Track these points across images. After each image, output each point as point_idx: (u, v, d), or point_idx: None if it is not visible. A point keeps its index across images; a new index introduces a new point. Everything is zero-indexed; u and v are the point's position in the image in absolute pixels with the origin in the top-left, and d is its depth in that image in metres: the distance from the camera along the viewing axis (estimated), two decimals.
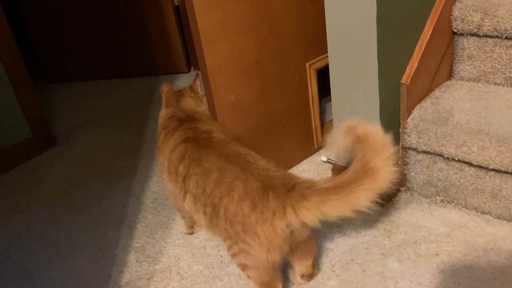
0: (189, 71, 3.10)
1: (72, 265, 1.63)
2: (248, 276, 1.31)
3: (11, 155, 2.26)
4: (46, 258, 1.68)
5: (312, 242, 1.38)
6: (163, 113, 1.59)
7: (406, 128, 1.59)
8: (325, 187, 1.14)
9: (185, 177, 1.34)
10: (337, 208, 1.13)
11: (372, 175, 1.12)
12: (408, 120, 1.59)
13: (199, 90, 1.65)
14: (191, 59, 3.09)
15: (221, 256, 1.57)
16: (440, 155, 1.55)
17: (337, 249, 1.52)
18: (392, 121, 1.61)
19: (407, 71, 1.58)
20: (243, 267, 1.29)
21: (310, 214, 1.14)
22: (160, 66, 3.08)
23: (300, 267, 1.39)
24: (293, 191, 1.16)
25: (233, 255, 1.28)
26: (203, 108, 1.61)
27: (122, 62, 3.08)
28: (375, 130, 1.18)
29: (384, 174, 1.12)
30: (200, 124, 1.45)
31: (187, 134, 1.41)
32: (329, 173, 1.85)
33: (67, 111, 2.78)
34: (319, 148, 2.03)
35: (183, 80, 2.98)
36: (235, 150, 1.34)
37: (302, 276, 1.40)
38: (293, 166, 1.96)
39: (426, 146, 1.56)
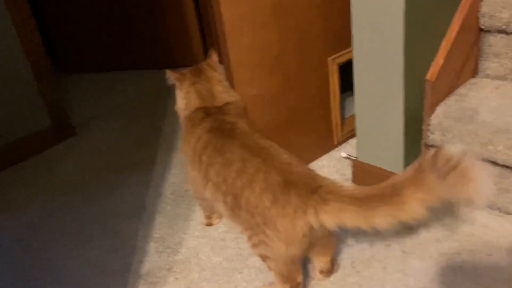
0: None
1: (90, 255, 1.64)
2: (269, 267, 1.32)
3: (31, 144, 2.28)
4: (64, 248, 1.70)
5: (331, 239, 1.38)
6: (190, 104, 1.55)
7: (430, 125, 1.57)
8: (347, 195, 1.13)
9: (207, 166, 1.34)
10: (354, 220, 1.11)
11: (397, 204, 1.08)
12: (432, 117, 1.57)
13: (217, 67, 1.58)
14: None
15: (240, 249, 1.57)
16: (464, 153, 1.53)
17: (357, 245, 1.51)
18: (415, 117, 1.59)
19: (433, 67, 1.56)
20: (263, 258, 1.30)
21: (329, 219, 1.13)
22: (178, 58, 3.08)
23: (318, 263, 1.39)
24: (316, 193, 1.15)
25: (254, 246, 1.28)
26: (229, 95, 1.56)
27: (140, 53, 3.09)
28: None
29: (410, 210, 1.08)
30: (226, 116, 1.45)
31: (212, 124, 1.42)
32: (348, 169, 1.84)
33: (85, 102, 2.80)
34: (339, 143, 2.01)
35: None
36: (258, 142, 1.34)
37: (321, 272, 1.40)
38: (312, 161, 1.95)
39: (450, 144, 1.54)
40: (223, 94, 1.54)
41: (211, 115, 1.47)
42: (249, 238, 1.29)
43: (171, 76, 1.54)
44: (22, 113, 2.25)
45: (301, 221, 1.15)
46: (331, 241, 1.39)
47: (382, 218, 1.09)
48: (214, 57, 1.58)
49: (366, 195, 1.12)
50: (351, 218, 1.11)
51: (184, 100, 1.55)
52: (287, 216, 1.16)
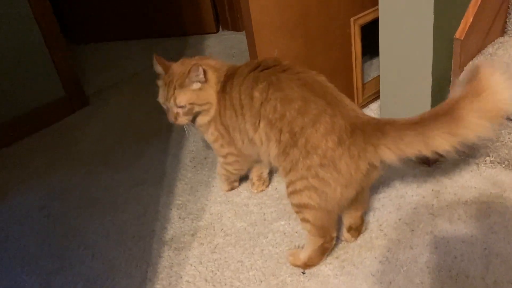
0: (217, 31, 3.03)
1: (115, 221, 1.64)
2: (304, 220, 1.28)
3: (45, 114, 2.26)
4: (88, 214, 1.69)
5: (367, 193, 1.37)
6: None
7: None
8: (404, 122, 1.12)
9: (263, 102, 1.29)
10: (414, 146, 1.10)
11: (455, 120, 1.05)
12: (460, 77, 1.53)
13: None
14: (220, 19, 3.02)
15: (264, 214, 1.56)
16: None
17: (384, 208, 1.49)
18: (443, 78, 1.55)
19: (461, 25, 1.51)
20: (303, 206, 1.25)
21: (389, 152, 1.13)
22: (188, 26, 3.01)
23: (349, 218, 1.37)
24: (376, 129, 1.14)
25: (296, 192, 1.24)
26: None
27: (151, 22, 3.02)
28: (498, 80, 1.06)
29: (470, 125, 1.05)
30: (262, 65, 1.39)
31: (254, 67, 1.37)
32: None
33: (98, 72, 2.76)
34: (360, 106, 1.98)
35: (212, 41, 2.93)
36: (320, 82, 1.29)
37: (350, 229, 1.38)
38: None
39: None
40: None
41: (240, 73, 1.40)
42: (292, 183, 1.25)
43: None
44: (36, 84, 2.21)
45: (365, 162, 1.15)
46: (367, 195, 1.39)
47: (441, 139, 1.07)
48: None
49: (422, 118, 1.11)
50: (410, 144, 1.10)
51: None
52: (353, 158, 1.15)
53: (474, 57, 1.58)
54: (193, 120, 1.48)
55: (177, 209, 1.65)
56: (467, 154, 1.62)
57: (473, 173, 1.56)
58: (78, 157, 2.03)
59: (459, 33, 1.50)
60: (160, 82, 1.47)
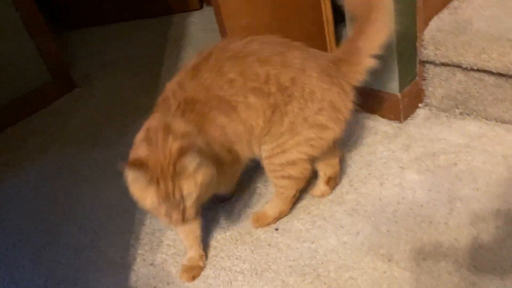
0: (201, 7, 3.05)
1: (102, 196, 1.70)
2: (284, 177, 1.29)
3: (33, 99, 2.31)
4: (77, 191, 1.76)
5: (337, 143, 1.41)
6: None
7: (423, 40, 1.55)
8: (351, 39, 1.30)
9: (241, 74, 1.20)
10: (366, 59, 1.27)
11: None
12: (425, 32, 1.55)
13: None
14: None
15: (243, 179, 1.61)
16: (459, 66, 1.51)
17: (355, 165, 1.54)
18: (408, 34, 1.57)
19: None
20: (289, 164, 1.26)
21: (359, 76, 1.28)
22: (173, 5, 3.03)
23: (327, 168, 1.41)
24: (345, 60, 1.27)
25: (282, 152, 1.24)
26: None
27: (136, 4, 3.05)
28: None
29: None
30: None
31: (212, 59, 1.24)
32: None
33: (85, 56, 2.80)
34: None
35: (196, 17, 2.95)
36: (280, 39, 1.30)
37: (329, 180, 1.43)
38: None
39: (444, 58, 1.53)
40: None
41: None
42: (279, 145, 1.24)
43: None
44: (21, 70, 2.26)
45: (352, 92, 1.27)
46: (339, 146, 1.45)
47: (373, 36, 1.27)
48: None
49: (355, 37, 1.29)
50: (366, 60, 1.27)
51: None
52: (345, 92, 1.25)
53: (439, 11, 1.60)
54: None
55: None
56: (438, 108, 1.66)
57: (443, 126, 1.59)
58: (68, 138, 2.09)
59: None
60: (141, 182, 1.10)
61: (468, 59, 1.47)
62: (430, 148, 1.52)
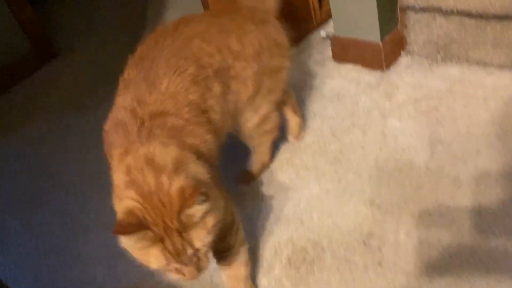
0: None
1: (87, 160, 1.70)
2: (268, 130, 1.32)
3: (15, 70, 2.29)
4: (62, 158, 1.76)
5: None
6: None
7: None
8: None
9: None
10: None
11: None
12: None
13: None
14: None
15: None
16: (439, 9, 1.49)
17: (338, 117, 1.53)
18: None
19: None
20: (268, 118, 1.30)
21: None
22: None
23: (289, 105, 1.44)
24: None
25: (255, 111, 1.26)
26: None
27: None
28: None
29: None
30: None
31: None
32: (329, 50, 1.81)
33: (65, 25, 2.76)
34: (319, 25, 1.98)
35: None
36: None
37: (294, 110, 1.46)
38: (294, 44, 1.92)
39: (423, 2, 1.50)
40: None
41: None
42: (256, 105, 1.25)
43: None
44: (1, 42, 2.23)
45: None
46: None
47: None
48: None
49: None
50: None
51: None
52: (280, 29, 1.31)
53: None
54: None
55: None
56: (420, 55, 1.64)
57: (425, 72, 1.59)
58: (51, 106, 2.08)
59: None
60: (142, 244, 0.85)
61: (448, 2, 1.45)
62: (412, 95, 1.52)
